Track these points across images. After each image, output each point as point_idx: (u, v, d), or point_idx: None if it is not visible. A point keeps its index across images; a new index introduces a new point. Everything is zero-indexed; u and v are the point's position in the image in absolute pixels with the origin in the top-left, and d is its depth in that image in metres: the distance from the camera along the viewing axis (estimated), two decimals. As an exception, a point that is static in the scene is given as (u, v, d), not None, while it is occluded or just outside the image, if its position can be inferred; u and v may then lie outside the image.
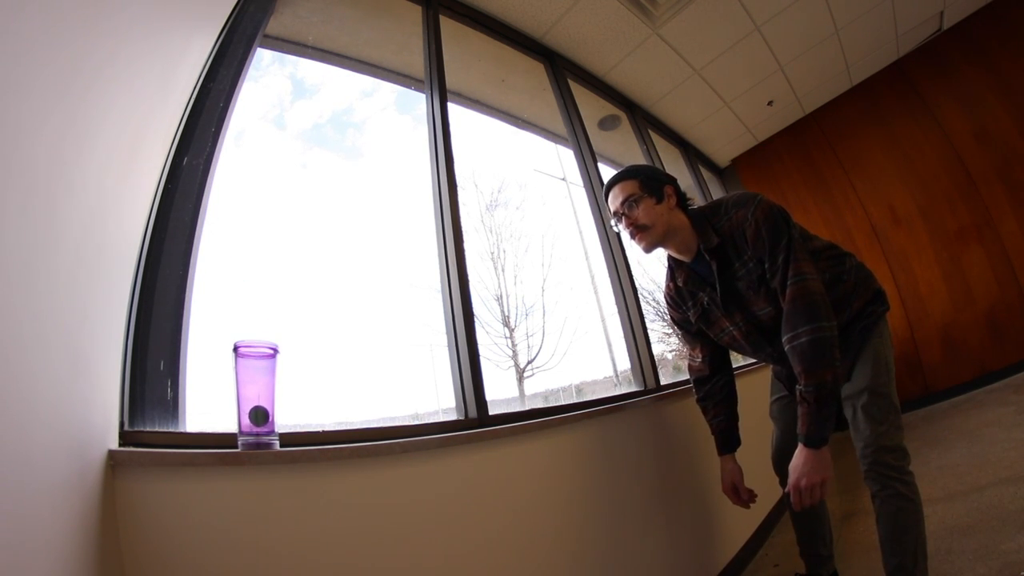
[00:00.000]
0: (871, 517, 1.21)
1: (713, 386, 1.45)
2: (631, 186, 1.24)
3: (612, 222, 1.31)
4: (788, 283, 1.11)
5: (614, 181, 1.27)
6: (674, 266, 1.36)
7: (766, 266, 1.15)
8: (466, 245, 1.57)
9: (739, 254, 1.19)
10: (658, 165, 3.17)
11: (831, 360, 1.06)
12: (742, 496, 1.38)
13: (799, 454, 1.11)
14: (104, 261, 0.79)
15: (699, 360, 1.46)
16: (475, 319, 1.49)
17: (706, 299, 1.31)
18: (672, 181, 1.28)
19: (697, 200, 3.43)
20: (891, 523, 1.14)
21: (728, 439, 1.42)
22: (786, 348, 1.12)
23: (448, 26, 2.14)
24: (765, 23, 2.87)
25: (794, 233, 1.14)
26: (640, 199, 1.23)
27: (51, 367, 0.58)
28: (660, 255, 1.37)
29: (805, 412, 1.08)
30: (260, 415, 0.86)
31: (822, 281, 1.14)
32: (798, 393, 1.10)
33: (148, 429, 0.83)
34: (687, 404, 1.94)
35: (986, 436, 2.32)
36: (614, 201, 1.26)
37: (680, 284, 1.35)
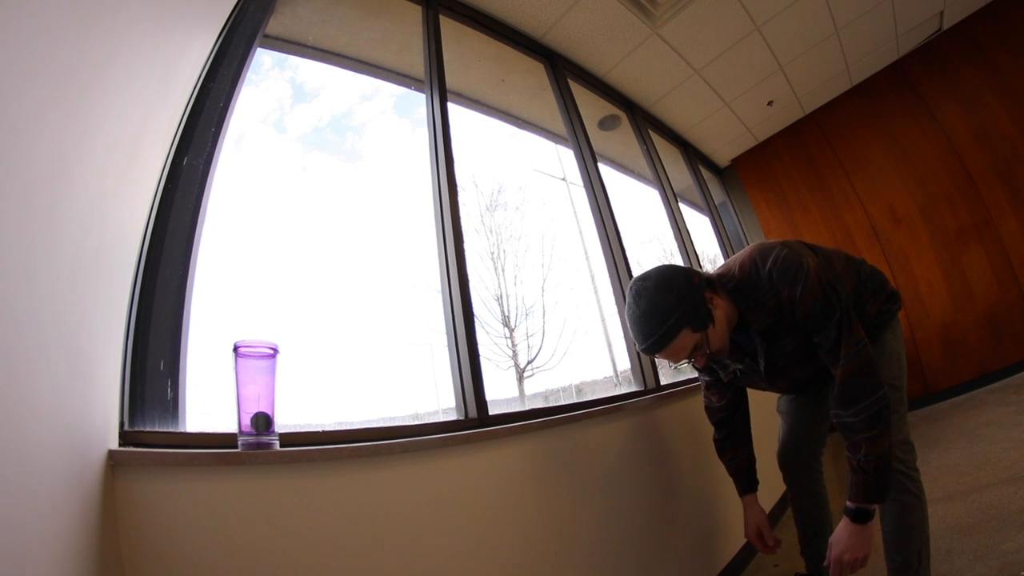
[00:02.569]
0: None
1: (735, 425, 1.39)
2: (686, 339, 1.02)
3: (671, 365, 1.14)
4: (842, 360, 1.04)
5: (660, 345, 1.02)
6: None
7: (816, 339, 1.07)
8: (466, 245, 1.57)
9: (788, 329, 1.10)
10: (658, 165, 3.17)
11: (888, 426, 1.03)
12: (768, 542, 1.32)
13: (845, 528, 1.07)
14: (104, 261, 0.79)
15: (720, 403, 1.39)
16: (475, 319, 1.49)
17: (742, 367, 1.23)
18: (705, 282, 1.07)
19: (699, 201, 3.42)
20: (896, 521, 1.13)
21: (750, 479, 1.37)
22: (842, 420, 1.05)
23: (448, 26, 2.14)
24: (765, 23, 2.87)
25: (846, 304, 1.05)
26: (702, 342, 1.04)
27: (51, 367, 0.58)
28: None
29: (860, 483, 1.03)
30: (262, 422, 0.86)
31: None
32: (854, 463, 1.04)
33: (148, 429, 0.83)
34: (687, 404, 1.94)
35: (986, 436, 2.32)
36: (673, 358, 1.07)
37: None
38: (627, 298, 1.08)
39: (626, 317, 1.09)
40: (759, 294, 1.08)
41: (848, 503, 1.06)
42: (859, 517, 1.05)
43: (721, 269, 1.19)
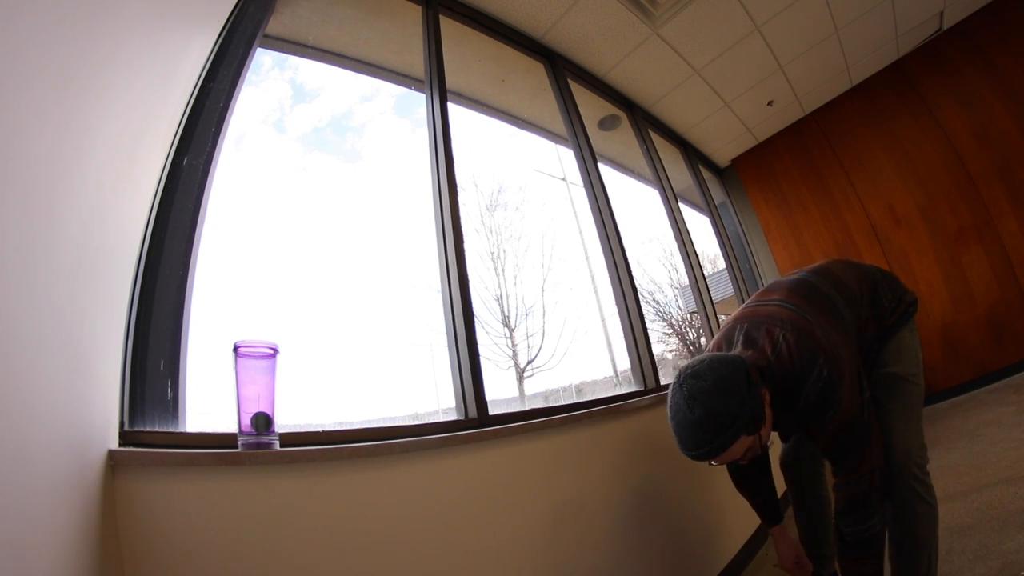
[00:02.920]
0: None
1: (752, 470, 1.31)
2: (742, 444, 0.93)
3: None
4: (848, 481, 1.01)
5: (714, 454, 0.92)
6: None
7: (821, 439, 1.03)
8: (466, 245, 1.57)
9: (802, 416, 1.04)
10: (658, 165, 3.17)
11: (877, 555, 1.02)
12: (805, 570, 1.27)
13: None
14: (104, 261, 0.79)
15: (741, 475, 1.34)
16: (475, 319, 1.49)
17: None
18: (760, 378, 0.97)
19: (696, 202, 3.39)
20: (910, 532, 1.10)
21: (775, 511, 1.31)
22: (837, 525, 1.04)
23: (448, 26, 2.14)
24: (765, 23, 2.87)
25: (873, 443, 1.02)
26: (755, 444, 0.95)
27: (51, 367, 0.58)
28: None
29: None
30: (262, 422, 0.86)
31: (862, 324, 1.10)
32: (842, 559, 1.04)
33: (148, 429, 0.83)
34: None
35: (986, 436, 2.32)
36: (723, 462, 0.97)
37: None
38: (674, 396, 0.95)
39: (672, 418, 0.95)
40: (797, 397, 1.00)
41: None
42: None
43: (758, 352, 1.04)
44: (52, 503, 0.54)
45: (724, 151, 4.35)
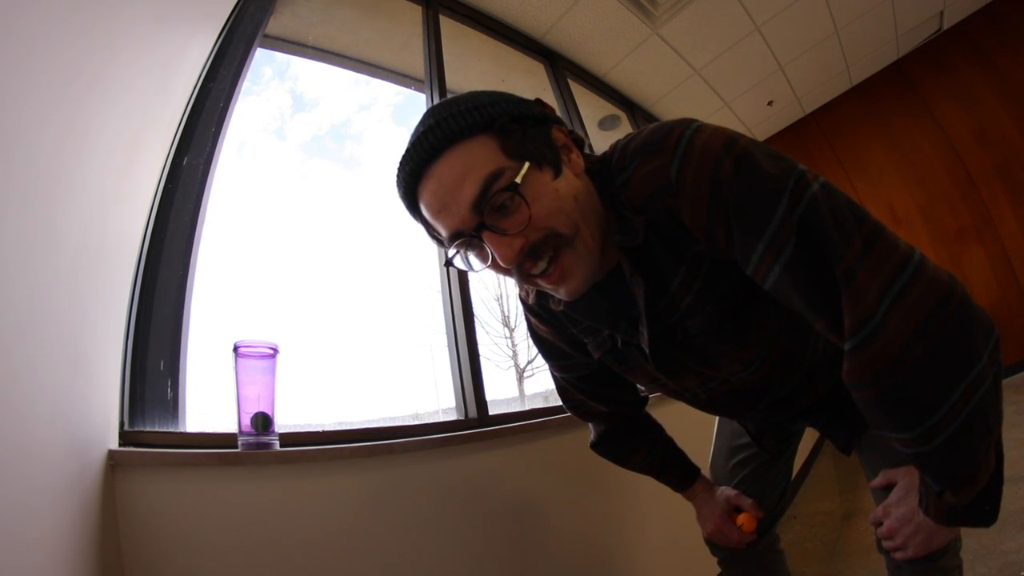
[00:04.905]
0: None
1: (626, 428, 0.91)
2: (484, 153, 0.50)
3: (451, 255, 0.53)
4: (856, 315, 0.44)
5: (440, 143, 0.49)
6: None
7: (753, 270, 0.49)
8: (466, 245, 1.57)
9: (694, 262, 0.55)
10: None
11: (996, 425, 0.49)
12: (744, 531, 0.84)
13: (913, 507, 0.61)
14: (104, 261, 0.79)
15: (604, 431, 0.91)
16: (475, 319, 1.49)
17: (613, 343, 0.67)
18: (553, 117, 0.56)
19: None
20: None
21: (684, 469, 0.93)
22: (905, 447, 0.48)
23: (448, 26, 2.14)
24: (765, 23, 2.87)
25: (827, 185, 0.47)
26: (510, 183, 0.49)
27: (51, 367, 0.58)
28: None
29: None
30: (262, 422, 0.86)
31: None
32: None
33: (148, 429, 0.83)
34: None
35: (986, 436, 2.32)
36: (452, 193, 0.50)
37: (549, 317, 0.71)
38: None
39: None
40: (608, 191, 0.55)
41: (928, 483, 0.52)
42: (949, 515, 0.53)
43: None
44: (52, 503, 0.54)
45: (724, 151, 4.35)
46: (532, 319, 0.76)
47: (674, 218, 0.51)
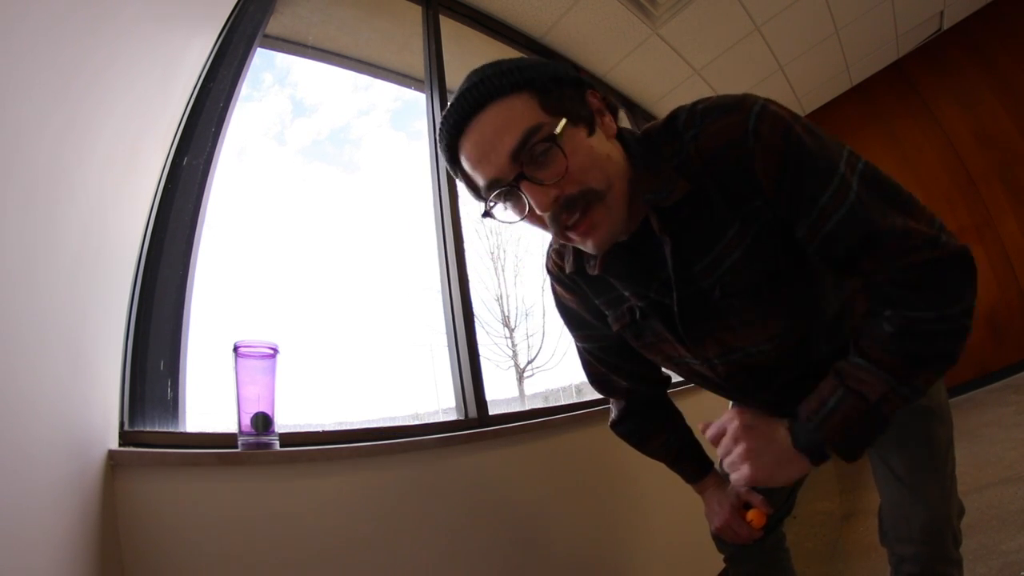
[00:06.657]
0: (872, 517, 0.93)
1: (647, 412, 0.91)
2: (523, 110, 0.53)
3: (489, 206, 0.57)
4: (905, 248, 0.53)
5: (482, 99, 0.53)
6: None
7: (804, 232, 0.56)
8: (466, 245, 1.57)
9: (730, 214, 0.58)
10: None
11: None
12: (753, 526, 0.82)
13: (783, 439, 0.60)
14: (104, 261, 0.79)
15: (625, 409, 0.90)
16: (475, 319, 1.49)
17: (639, 311, 0.69)
18: (588, 82, 0.60)
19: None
20: None
21: (699, 460, 0.95)
22: (912, 325, 0.54)
23: (448, 26, 2.14)
24: (765, 23, 2.87)
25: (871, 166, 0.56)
26: (548, 136, 0.52)
27: (51, 367, 0.58)
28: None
29: (855, 414, 0.56)
30: (262, 422, 0.86)
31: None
32: (872, 380, 0.56)
33: (148, 429, 0.83)
34: (689, 401, 1.94)
35: (986, 436, 2.32)
36: (493, 148, 0.53)
37: (579, 278, 0.73)
38: None
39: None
40: (671, 147, 0.58)
41: (807, 413, 0.58)
42: (813, 451, 0.58)
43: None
44: (52, 503, 0.54)
45: (724, 151, 4.35)
46: (558, 287, 0.81)
47: (744, 170, 0.55)
